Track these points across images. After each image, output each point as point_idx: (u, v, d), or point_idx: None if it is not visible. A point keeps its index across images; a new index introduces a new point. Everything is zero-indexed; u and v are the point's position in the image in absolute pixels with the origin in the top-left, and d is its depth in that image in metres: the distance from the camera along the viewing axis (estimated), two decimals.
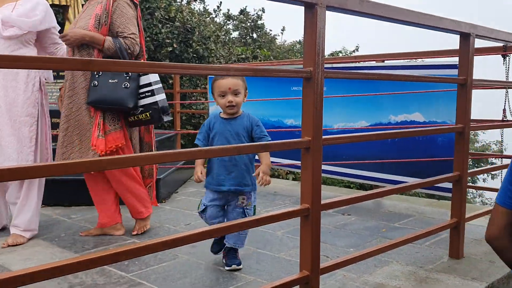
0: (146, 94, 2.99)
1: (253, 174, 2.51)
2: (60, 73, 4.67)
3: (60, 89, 3.21)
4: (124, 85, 2.91)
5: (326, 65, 1.89)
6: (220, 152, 1.77)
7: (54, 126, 4.26)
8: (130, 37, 2.99)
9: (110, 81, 2.90)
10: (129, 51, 2.98)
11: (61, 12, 6.34)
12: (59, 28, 3.26)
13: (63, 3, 5.32)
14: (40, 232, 3.17)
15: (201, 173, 2.47)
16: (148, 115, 3.00)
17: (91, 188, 3.19)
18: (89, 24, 2.95)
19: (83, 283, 2.33)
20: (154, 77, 3.05)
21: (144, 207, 3.19)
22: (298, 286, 1.86)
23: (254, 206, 2.59)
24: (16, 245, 2.94)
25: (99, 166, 1.31)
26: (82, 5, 5.77)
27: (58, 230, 3.26)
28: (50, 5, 5.19)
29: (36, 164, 1.19)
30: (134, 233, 3.17)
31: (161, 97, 3.03)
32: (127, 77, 2.94)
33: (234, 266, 2.52)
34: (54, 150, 3.14)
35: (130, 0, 3.07)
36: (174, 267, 2.55)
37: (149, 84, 2.99)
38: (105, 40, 2.94)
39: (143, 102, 2.98)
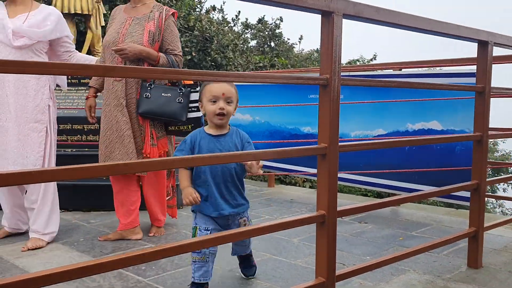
0: (193, 109, 3.23)
1: (246, 170, 2.23)
2: (72, 81, 4.76)
3: (87, 98, 3.29)
4: (178, 100, 3.12)
5: (343, 73, 1.91)
6: (234, 158, 1.79)
7: (65, 132, 4.38)
8: (179, 55, 3.22)
9: (163, 94, 3.09)
10: (178, 68, 3.17)
11: (83, 21, 6.47)
12: (73, 37, 3.35)
13: (85, 12, 5.41)
14: (60, 237, 3.22)
15: (195, 194, 2.14)
16: (190, 128, 3.21)
17: (116, 190, 3.26)
18: (144, 40, 3.07)
19: (101, 287, 2.36)
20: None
21: (163, 216, 3.39)
22: None
23: (251, 223, 2.40)
24: (36, 248, 3.00)
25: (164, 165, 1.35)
26: (104, 14, 5.88)
27: (77, 235, 3.31)
28: (72, 14, 5.34)
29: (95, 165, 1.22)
30: (151, 234, 3.31)
31: (202, 113, 3.19)
32: (181, 93, 3.15)
33: (251, 277, 2.51)
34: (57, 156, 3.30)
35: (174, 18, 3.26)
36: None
37: (197, 101, 3.16)
38: (160, 57, 3.11)
39: (189, 115, 3.23)
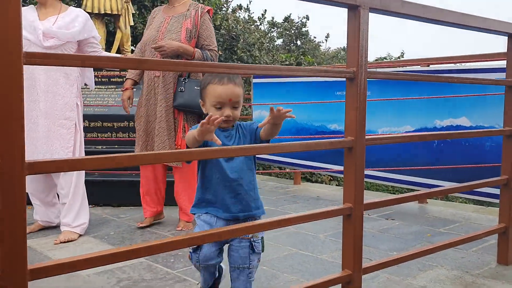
0: None
1: (269, 116, 1.79)
2: (102, 79, 4.88)
3: (125, 89, 3.40)
4: None
5: (373, 70, 1.92)
6: (262, 149, 1.81)
7: (96, 129, 4.50)
8: (214, 50, 3.36)
9: (195, 87, 3.19)
10: (213, 62, 3.28)
11: (112, 21, 6.60)
12: (100, 37, 3.48)
13: (115, 12, 5.53)
14: (91, 230, 3.31)
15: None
16: None
17: (144, 181, 3.45)
18: (182, 37, 3.24)
19: (131, 278, 2.42)
20: None
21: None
22: (340, 285, 1.88)
23: (262, 237, 1.95)
24: (68, 241, 3.09)
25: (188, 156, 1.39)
26: (133, 14, 5.99)
27: (107, 229, 3.40)
28: (102, 14, 5.46)
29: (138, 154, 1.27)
30: (179, 228, 3.39)
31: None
32: None
33: None
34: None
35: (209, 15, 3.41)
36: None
37: None
38: (195, 52, 3.25)
39: None
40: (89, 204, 3.36)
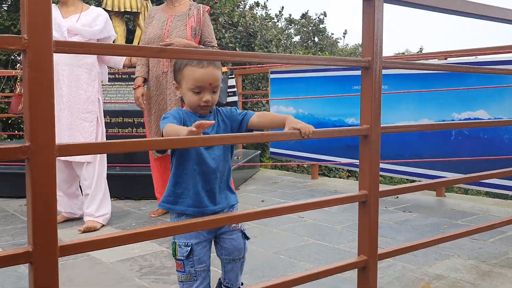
0: (230, 93, 3.56)
1: (287, 130, 1.65)
2: (123, 76, 4.99)
3: (137, 87, 3.45)
4: None
5: (390, 60, 1.94)
6: (275, 137, 1.85)
7: (117, 125, 4.61)
8: (215, 46, 3.51)
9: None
10: None
11: (132, 20, 6.70)
12: (116, 36, 3.62)
13: (134, 10, 5.62)
14: (113, 222, 3.40)
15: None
16: None
17: (156, 170, 3.56)
18: (187, 34, 3.35)
19: (152, 266, 2.49)
20: (233, 82, 3.70)
21: None
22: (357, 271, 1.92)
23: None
24: (91, 231, 3.18)
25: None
26: None
27: (129, 220, 3.48)
28: (122, 12, 5.56)
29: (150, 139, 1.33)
30: None
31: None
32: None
33: None
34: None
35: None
36: None
37: (233, 87, 3.55)
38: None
39: (228, 100, 3.54)
40: (111, 198, 3.46)
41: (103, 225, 3.30)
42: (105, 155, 3.43)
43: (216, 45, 3.53)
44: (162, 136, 1.62)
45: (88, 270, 2.41)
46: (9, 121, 7.90)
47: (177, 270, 1.78)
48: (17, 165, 4.21)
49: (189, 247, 1.73)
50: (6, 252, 1.13)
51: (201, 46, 3.37)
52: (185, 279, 1.77)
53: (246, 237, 1.86)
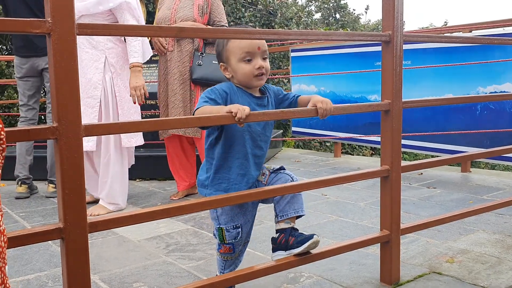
0: None
1: (309, 106, 1.68)
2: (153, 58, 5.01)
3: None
4: None
5: (410, 33, 1.92)
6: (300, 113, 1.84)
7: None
8: (225, 26, 3.43)
9: (213, 62, 3.26)
10: None
11: (151, 2, 6.72)
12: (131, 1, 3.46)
13: None
14: (139, 201, 3.48)
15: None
16: None
17: (173, 154, 3.59)
18: (194, 13, 3.30)
19: (178, 243, 2.55)
20: None
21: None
22: (379, 245, 1.94)
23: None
24: (97, 215, 3.12)
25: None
26: None
27: (154, 200, 3.55)
28: None
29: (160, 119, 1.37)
30: None
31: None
32: None
33: (314, 238, 1.69)
34: None
35: None
36: (260, 231, 2.70)
37: None
38: None
39: None
40: (136, 179, 3.49)
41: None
42: (111, 141, 3.20)
43: (226, 24, 3.47)
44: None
45: (117, 248, 2.49)
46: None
47: (223, 253, 1.77)
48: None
49: (239, 228, 1.73)
50: (39, 228, 1.18)
51: (209, 26, 3.30)
52: (230, 258, 1.79)
53: (292, 179, 1.75)
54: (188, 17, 3.28)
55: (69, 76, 1.17)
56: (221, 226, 1.73)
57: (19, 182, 3.71)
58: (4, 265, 0.87)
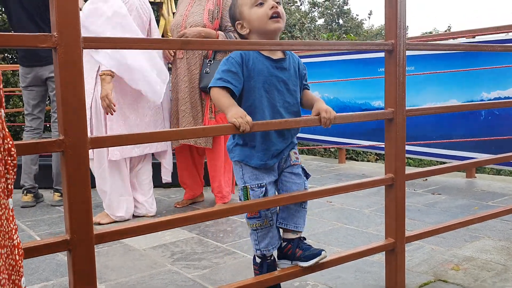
0: None
1: (313, 115, 1.71)
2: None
3: None
4: None
5: (414, 42, 1.93)
6: (299, 123, 1.85)
7: None
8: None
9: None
10: None
11: (155, 10, 6.76)
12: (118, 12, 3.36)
13: (158, 0, 5.67)
14: None
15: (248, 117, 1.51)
16: None
17: (182, 163, 3.57)
18: (204, 18, 3.25)
19: (183, 252, 2.56)
20: None
21: (228, 193, 3.44)
22: (384, 253, 1.94)
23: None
24: (96, 223, 3.09)
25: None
26: (175, 1, 6.11)
27: (159, 208, 3.56)
28: None
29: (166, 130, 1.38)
30: None
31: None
32: None
33: (323, 255, 1.67)
34: None
35: None
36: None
37: None
38: (219, 35, 3.23)
39: None
40: None
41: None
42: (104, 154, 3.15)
43: None
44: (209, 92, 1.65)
45: (122, 257, 2.50)
46: None
47: (249, 218, 1.71)
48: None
49: (264, 188, 1.68)
50: (46, 240, 1.19)
51: (220, 32, 3.23)
52: (260, 226, 1.70)
53: (306, 174, 1.82)
54: (198, 22, 3.23)
55: (75, 90, 1.18)
56: (246, 184, 1.71)
57: (25, 191, 3.73)
58: (19, 277, 0.88)
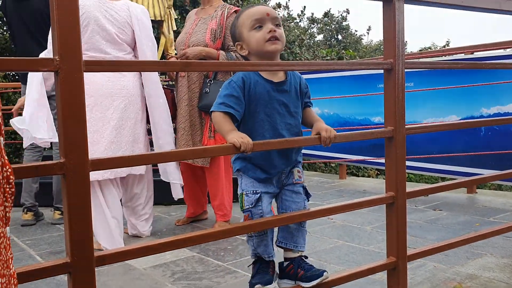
0: None
1: (313, 135, 1.72)
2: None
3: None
4: None
5: (411, 60, 1.94)
6: (299, 142, 1.86)
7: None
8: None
9: (220, 90, 3.22)
10: None
11: (155, 27, 6.81)
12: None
13: (158, 18, 5.71)
14: None
15: (248, 139, 1.51)
16: None
17: (185, 182, 3.50)
18: (206, 38, 3.25)
19: (184, 271, 2.54)
20: None
21: (229, 211, 3.41)
22: (386, 272, 1.93)
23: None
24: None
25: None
26: (175, 19, 6.16)
27: (160, 226, 3.55)
28: None
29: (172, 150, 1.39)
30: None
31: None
32: None
33: (324, 276, 1.67)
34: None
35: None
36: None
37: None
38: (220, 54, 3.22)
39: None
40: None
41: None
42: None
43: None
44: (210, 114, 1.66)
45: (122, 276, 2.48)
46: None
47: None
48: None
49: (258, 195, 1.71)
50: (46, 263, 1.19)
51: (221, 52, 3.21)
52: (255, 233, 1.71)
53: (307, 194, 1.83)
54: (200, 41, 3.24)
55: (76, 112, 1.19)
56: (242, 191, 1.74)
57: (25, 210, 3.72)
58: None
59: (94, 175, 2.80)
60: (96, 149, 2.87)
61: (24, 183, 3.76)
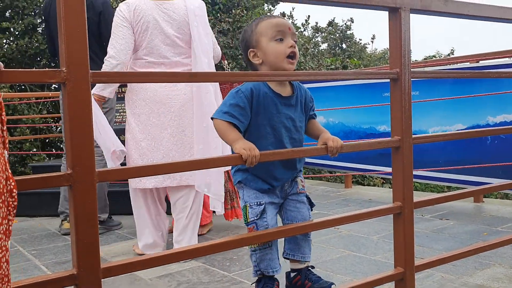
0: None
1: (319, 145, 1.72)
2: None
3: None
4: None
5: (418, 69, 1.94)
6: (304, 153, 1.86)
7: None
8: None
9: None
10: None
11: None
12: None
13: None
14: None
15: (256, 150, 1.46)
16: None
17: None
18: None
19: (190, 281, 2.53)
20: None
21: (206, 216, 3.50)
22: (394, 283, 1.91)
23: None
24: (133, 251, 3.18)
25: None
26: None
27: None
28: None
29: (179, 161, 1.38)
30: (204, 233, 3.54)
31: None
32: None
33: (333, 287, 1.78)
34: None
35: None
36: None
37: None
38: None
39: None
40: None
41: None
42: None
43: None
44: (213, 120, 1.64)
45: (128, 287, 2.47)
46: (47, 140, 8.16)
47: None
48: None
49: (262, 206, 1.69)
50: (53, 275, 1.19)
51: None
52: (258, 245, 1.69)
53: (311, 203, 1.84)
54: None
55: (84, 124, 1.19)
56: (245, 204, 1.73)
57: (66, 218, 3.69)
58: None
59: (133, 184, 2.93)
60: (155, 156, 2.84)
61: (62, 191, 3.74)
